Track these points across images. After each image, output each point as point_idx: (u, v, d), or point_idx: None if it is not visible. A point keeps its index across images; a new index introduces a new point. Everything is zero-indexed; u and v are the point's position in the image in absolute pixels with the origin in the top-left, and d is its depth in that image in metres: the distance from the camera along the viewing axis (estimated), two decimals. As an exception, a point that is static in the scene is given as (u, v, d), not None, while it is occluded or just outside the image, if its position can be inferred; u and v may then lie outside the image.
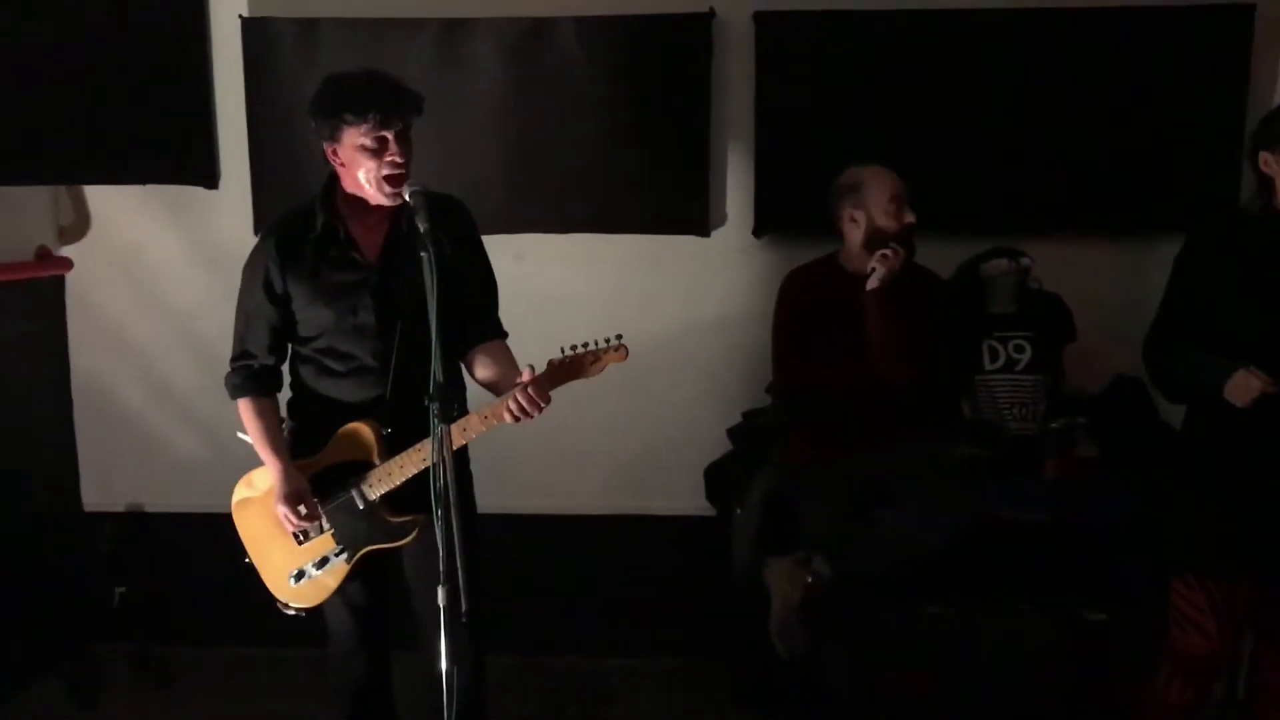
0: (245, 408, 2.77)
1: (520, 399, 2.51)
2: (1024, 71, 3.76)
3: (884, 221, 3.37)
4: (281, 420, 2.82)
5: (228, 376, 2.81)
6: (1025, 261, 3.69)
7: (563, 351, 2.58)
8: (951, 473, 3.33)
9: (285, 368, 2.85)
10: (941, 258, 3.68)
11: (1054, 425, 3.59)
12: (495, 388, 2.69)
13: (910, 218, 3.36)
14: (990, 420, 3.63)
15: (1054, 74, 3.76)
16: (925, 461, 3.32)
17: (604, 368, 2.60)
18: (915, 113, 3.78)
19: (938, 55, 3.76)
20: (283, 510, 2.69)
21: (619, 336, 2.60)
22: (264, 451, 2.74)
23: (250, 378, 2.78)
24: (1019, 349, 3.66)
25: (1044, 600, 3.36)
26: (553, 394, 2.58)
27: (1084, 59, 3.74)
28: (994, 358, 3.66)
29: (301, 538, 2.76)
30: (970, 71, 3.77)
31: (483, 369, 2.75)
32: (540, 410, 2.53)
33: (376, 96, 2.54)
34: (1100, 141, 3.78)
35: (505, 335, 2.84)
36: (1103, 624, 3.35)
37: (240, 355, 2.80)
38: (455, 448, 2.51)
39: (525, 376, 2.51)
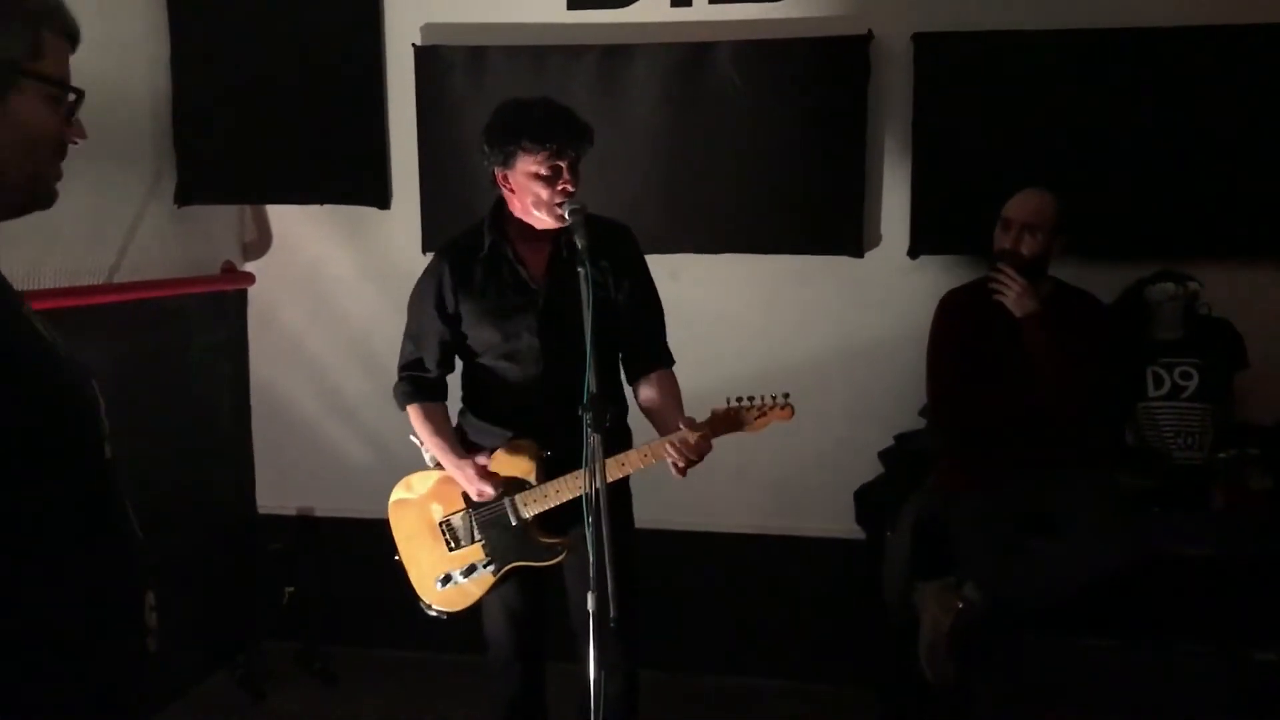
0: (415, 413, 2.86)
1: (682, 449, 2.58)
2: (1190, 89, 3.64)
3: (997, 241, 3.37)
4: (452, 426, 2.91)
5: (396, 386, 2.89)
6: (1193, 285, 3.57)
7: (728, 401, 2.62)
8: (1113, 502, 3.25)
9: (450, 379, 2.93)
10: (1105, 281, 3.61)
11: (1222, 455, 3.46)
12: (656, 416, 2.76)
13: (1020, 246, 3.31)
14: (1154, 449, 3.52)
15: (1223, 91, 3.63)
16: (1086, 490, 3.24)
17: (767, 424, 2.64)
18: (1077, 133, 3.70)
19: (1100, 74, 3.68)
20: (480, 487, 2.75)
21: (786, 395, 2.63)
22: (441, 447, 2.81)
23: (418, 387, 2.87)
24: (1185, 376, 3.54)
25: (1210, 638, 3.23)
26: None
27: (1255, 75, 3.61)
28: (1158, 384, 3.55)
29: (453, 545, 2.85)
30: (1134, 90, 3.67)
31: (647, 397, 2.81)
32: (700, 459, 2.59)
33: (555, 126, 2.60)
34: (1273, 161, 3.62)
35: (672, 363, 2.88)
36: (1273, 665, 3.20)
37: (408, 365, 2.89)
38: (613, 479, 2.55)
39: (692, 426, 2.58)
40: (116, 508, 1.46)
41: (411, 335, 2.90)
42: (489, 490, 2.75)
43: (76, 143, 1.44)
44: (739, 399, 2.63)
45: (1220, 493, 3.40)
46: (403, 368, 2.91)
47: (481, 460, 2.78)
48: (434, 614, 2.90)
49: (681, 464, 2.59)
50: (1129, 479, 3.42)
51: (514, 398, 2.80)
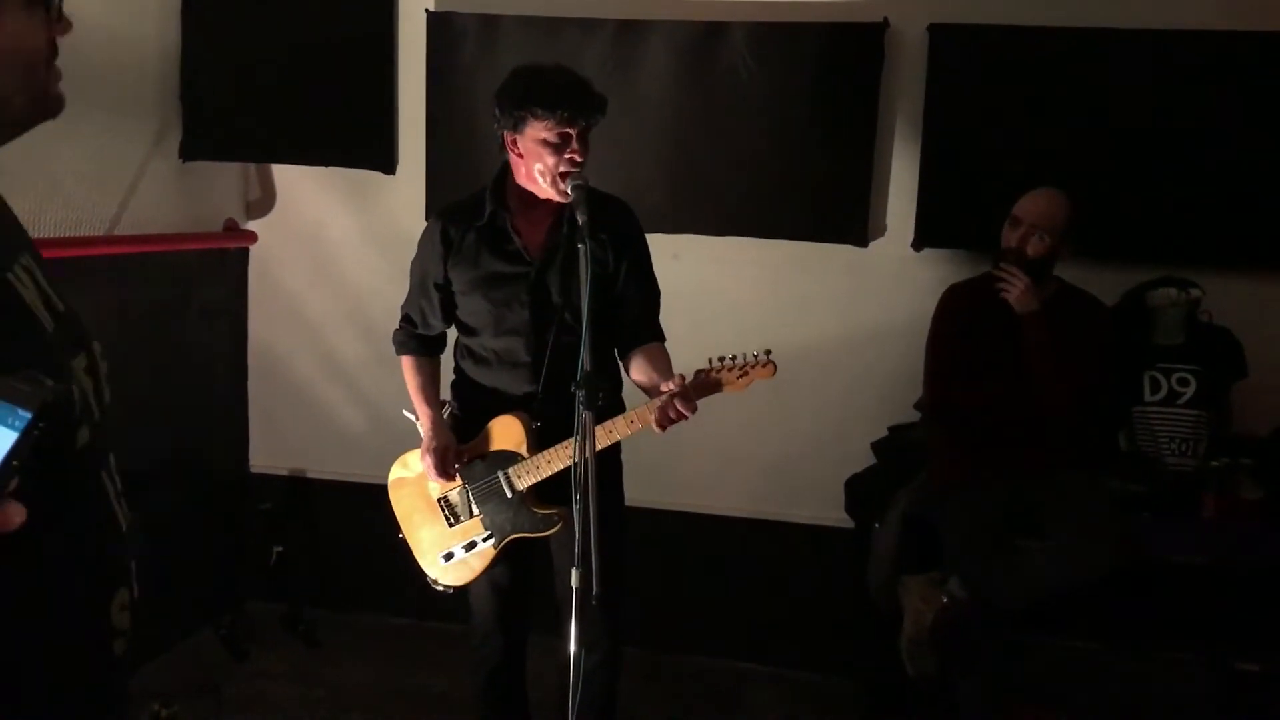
0: (407, 364, 2.94)
1: (665, 408, 2.55)
2: (1202, 95, 3.61)
3: (1004, 239, 3.35)
4: (444, 403, 2.93)
5: (395, 333, 2.98)
6: (1195, 292, 3.56)
7: (710, 362, 2.61)
8: (1103, 506, 3.25)
9: (450, 332, 2.97)
10: (1108, 283, 3.59)
11: (1215, 464, 3.45)
12: (649, 390, 2.74)
13: (1026, 246, 3.28)
14: (1147, 454, 3.52)
15: (1234, 98, 3.60)
16: (1076, 492, 3.25)
17: (750, 383, 2.61)
18: (1087, 133, 3.68)
19: (1112, 74, 3.65)
20: (428, 461, 2.80)
21: (768, 352, 2.60)
22: (418, 403, 2.90)
23: (414, 338, 2.95)
24: (1183, 382, 3.53)
25: (1193, 646, 3.24)
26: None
27: (1267, 83, 3.57)
28: (1155, 389, 3.55)
29: (452, 520, 2.86)
30: (1146, 92, 3.64)
31: (639, 371, 2.80)
32: (685, 418, 2.56)
33: (568, 94, 2.59)
34: (1282, 171, 3.61)
35: (663, 339, 2.87)
36: (1256, 675, 3.21)
37: (407, 319, 2.96)
38: (601, 448, 2.56)
39: (673, 385, 2.55)
40: (82, 501, 1.28)
41: (412, 286, 2.95)
42: (434, 474, 2.80)
43: (64, 35, 1.27)
44: (722, 358, 2.61)
45: (1211, 501, 3.40)
46: (402, 319, 2.98)
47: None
48: (441, 589, 2.91)
49: (661, 421, 2.56)
50: (1120, 483, 3.42)
51: (502, 371, 2.81)
